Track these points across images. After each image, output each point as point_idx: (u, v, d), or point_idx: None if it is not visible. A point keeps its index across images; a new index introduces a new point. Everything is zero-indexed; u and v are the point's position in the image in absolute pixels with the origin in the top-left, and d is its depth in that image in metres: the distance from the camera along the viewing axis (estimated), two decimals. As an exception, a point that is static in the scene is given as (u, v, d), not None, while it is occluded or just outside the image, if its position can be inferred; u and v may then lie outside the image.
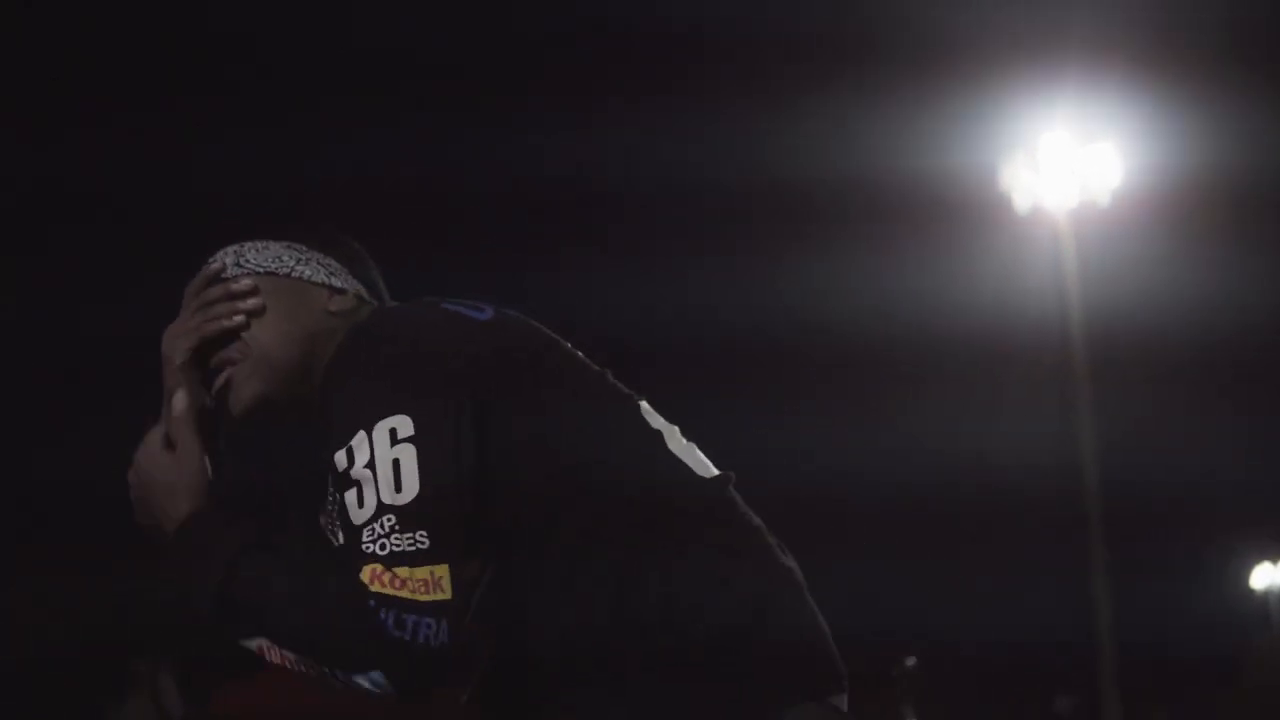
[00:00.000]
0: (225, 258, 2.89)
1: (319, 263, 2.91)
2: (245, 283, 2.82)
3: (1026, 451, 37.36)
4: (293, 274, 2.88)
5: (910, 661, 5.58)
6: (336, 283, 2.90)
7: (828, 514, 47.24)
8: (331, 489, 2.61)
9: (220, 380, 2.82)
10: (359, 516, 2.49)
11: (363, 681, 2.42)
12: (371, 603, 2.46)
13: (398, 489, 2.46)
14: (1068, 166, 30.14)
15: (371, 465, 2.47)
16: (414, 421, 2.49)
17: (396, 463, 2.46)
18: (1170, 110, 32.79)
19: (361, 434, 2.49)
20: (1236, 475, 43.65)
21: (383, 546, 2.46)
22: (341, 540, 2.61)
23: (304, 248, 2.93)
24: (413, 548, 2.45)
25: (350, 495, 2.50)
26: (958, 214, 33.75)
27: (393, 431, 2.47)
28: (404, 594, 2.44)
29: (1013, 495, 40.82)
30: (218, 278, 2.84)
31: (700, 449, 2.88)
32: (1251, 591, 68.19)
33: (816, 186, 44.44)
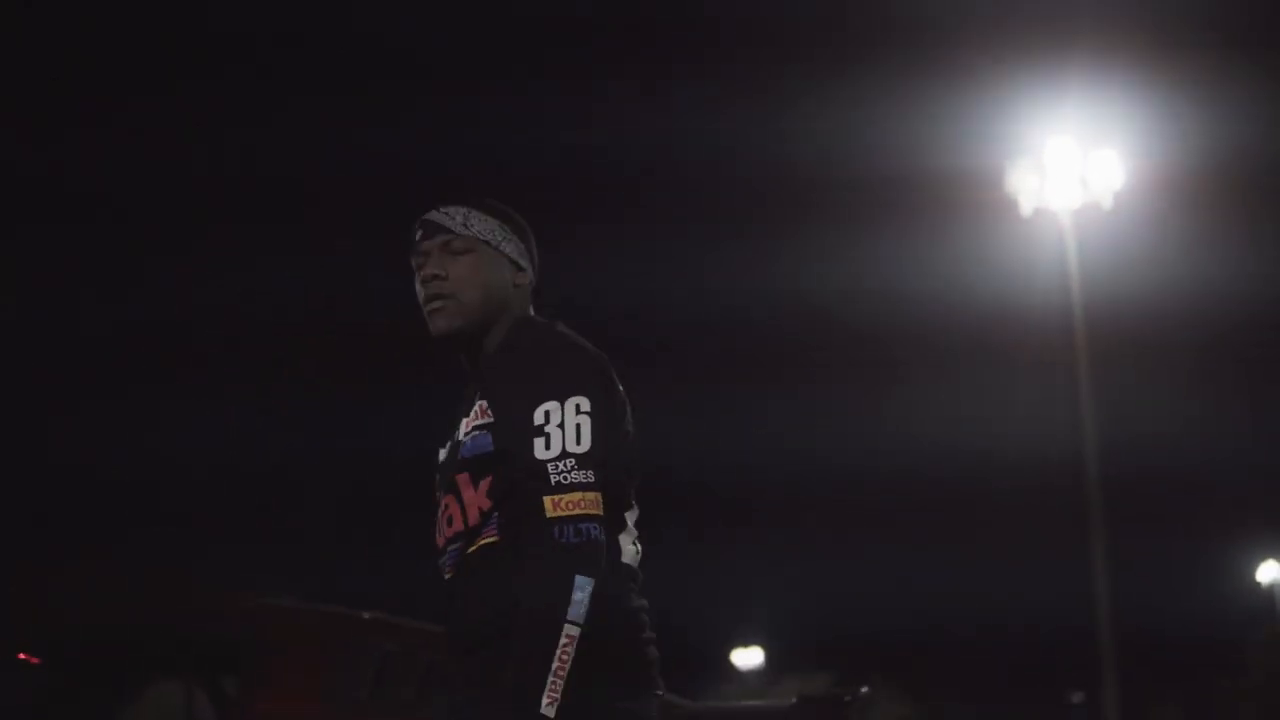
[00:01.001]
0: (457, 214, 3.92)
1: (516, 244, 3.96)
2: (465, 241, 3.90)
3: (1030, 447, 37.92)
4: (500, 248, 3.93)
5: (864, 689, 6.23)
6: (523, 264, 3.96)
7: (838, 501, 47.96)
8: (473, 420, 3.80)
9: (430, 305, 3.88)
10: (544, 455, 3.62)
11: (580, 595, 3.51)
12: (554, 531, 3.58)
13: (578, 442, 3.63)
14: (1072, 170, 30.88)
15: (562, 425, 3.63)
16: (590, 402, 3.68)
17: (579, 426, 3.64)
18: (1171, 115, 33.59)
19: (555, 403, 3.65)
20: (1241, 470, 44.04)
21: (565, 479, 3.60)
22: (449, 456, 3.84)
23: (509, 229, 3.96)
24: (585, 480, 3.61)
25: (539, 441, 3.63)
26: (966, 214, 34.34)
27: (577, 405, 3.65)
28: (578, 511, 3.59)
29: (1016, 487, 41.27)
30: (447, 230, 3.91)
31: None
32: (1258, 585, 68.68)
33: (830, 187, 45.16)
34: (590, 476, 3.62)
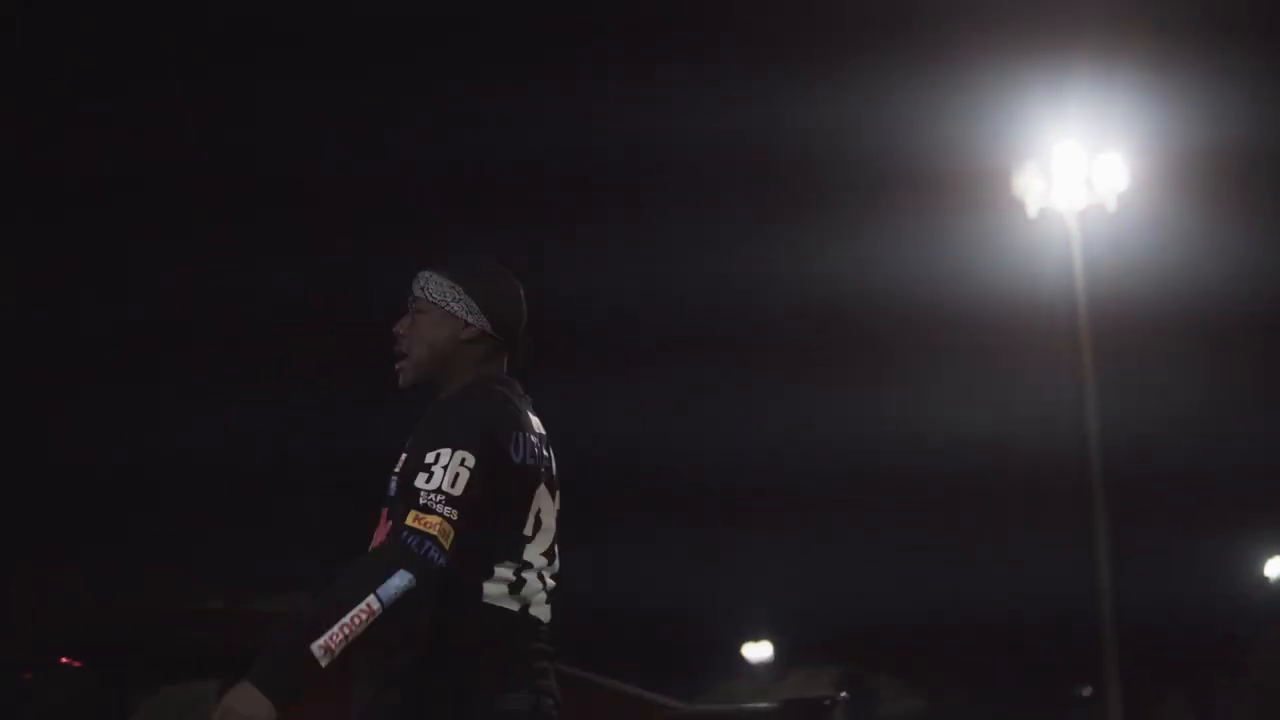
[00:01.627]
0: (418, 281, 4.56)
1: (465, 301, 4.50)
2: (420, 304, 4.53)
3: (1035, 443, 38.32)
4: (447, 307, 4.50)
5: (843, 695, 6.52)
6: (471, 319, 4.49)
7: (844, 496, 48.33)
8: (404, 457, 4.33)
9: (395, 363, 4.52)
10: (423, 485, 4.16)
11: (397, 582, 3.98)
12: (404, 535, 4.08)
13: (453, 485, 4.16)
14: (1077, 173, 31.38)
15: (445, 467, 4.17)
16: (475, 459, 4.23)
17: (458, 474, 4.18)
18: (1173, 117, 34.03)
19: (448, 450, 4.21)
20: (1247, 465, 44.26)
21: (430, 504, 4.12)
22: (393, 490, 4.31)
23: (461, 289, 4.51)
24: (447, 514, 4.12)
25: (423, 474, 4.17)
26: (973, 215, 34.76)
27: (463, 459, 4.20)
28: (429, 531, 4.08)
29: (1022, 482, 41.62)
30: (412, 295, 4.56)
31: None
32: (1266, 581, 68.96)
33: (839, 186, 45.51)
34: (453, 514, 4.14)
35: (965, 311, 38.70)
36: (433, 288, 4.51)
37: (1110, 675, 32.55)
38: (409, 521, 4.09)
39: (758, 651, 50.98)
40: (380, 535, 4.29)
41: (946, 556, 48.86)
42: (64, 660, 6.60)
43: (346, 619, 3.93)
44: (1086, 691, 49.41)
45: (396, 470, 4.34)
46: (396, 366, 4.51)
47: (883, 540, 48.13)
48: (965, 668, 58.46)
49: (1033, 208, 32.03)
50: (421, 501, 4.11)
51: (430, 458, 4.18)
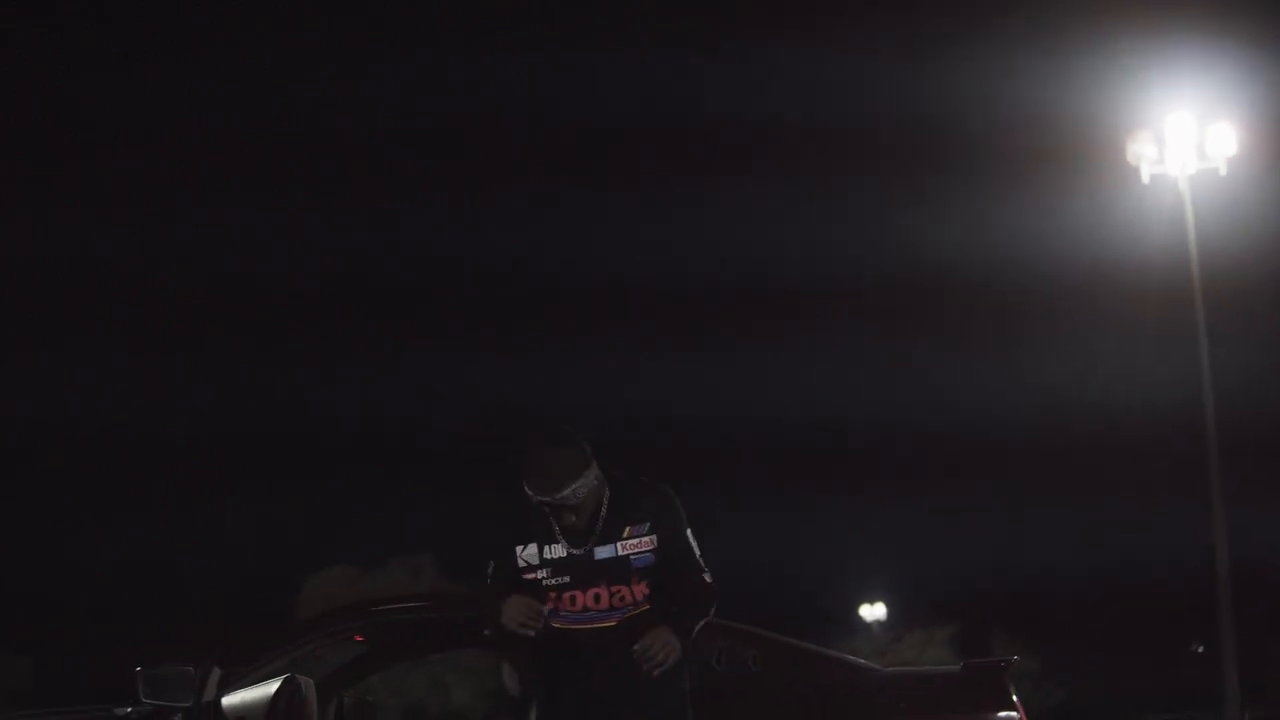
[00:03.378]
0: (569, 491, 5.72)
1: (587, 458, 5.80)
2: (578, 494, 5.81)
3: (1149, 402, 38.75)
4: (591, 475, 5.80)
5: (1015, 658, 7.12)
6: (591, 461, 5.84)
7: (959, 459, 48.90)
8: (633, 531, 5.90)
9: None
10: (697, 554, 6.01)
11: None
12: (712, 585, 5.96)
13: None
14: (1189, 140, 32.06)
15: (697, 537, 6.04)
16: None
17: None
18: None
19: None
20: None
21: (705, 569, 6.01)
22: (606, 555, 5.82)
23: (583, 461, 5.77)
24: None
25: (694, 546, 5.99)
26: (1090, 181, 35.40)
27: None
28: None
29: (1136, 442, 42.07)
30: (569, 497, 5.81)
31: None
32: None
33: (965, 154, 46.09)
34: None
35: (1082, 274, 39.34)
36: (580, 483, 5.72)
37: (1225, 631, 32.93)
38: (707, 579, 5.90)
39: (873, 612, 51.77)
40: (624, 591, 5.81)
41: (1058, 517, 49.37)
42: (357, 638, 7.68)
43: (702, 623, 5.86)
44: (1199, 648, 49.61)
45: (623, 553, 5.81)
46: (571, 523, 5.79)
47: (996, 502, 48.72)
48: (1078, 625, 58.85)
49: (1146, 174, 32.78)
50: (703, 565, 5.91)
51: (690, 538, 5.92)
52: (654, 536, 5.82)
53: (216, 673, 6.93)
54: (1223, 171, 32.73)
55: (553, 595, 5.78)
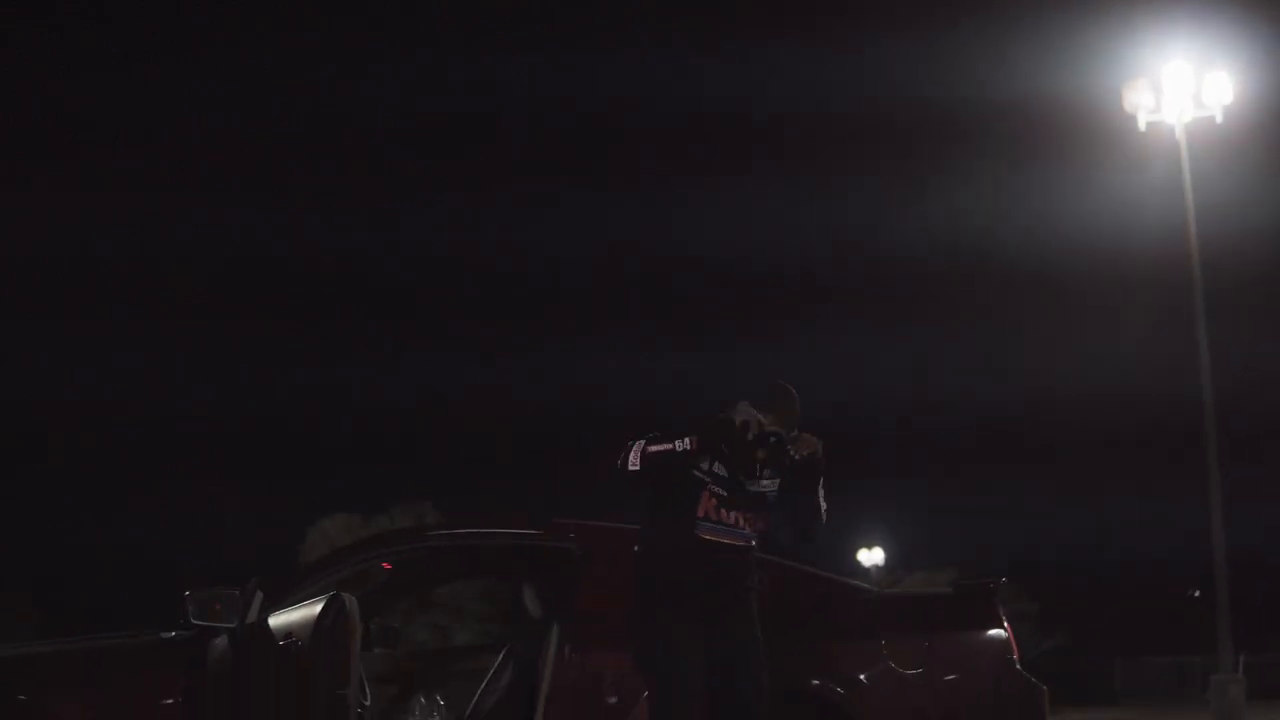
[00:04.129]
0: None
1: None
2: None
3: (1143, 352, 39.17)
4: None
5: (1003, 580, 7.44)
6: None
7: (951, 423, 49.49)
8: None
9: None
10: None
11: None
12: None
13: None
14: (1185, 89, 32.42)
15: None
16: None
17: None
18: (1277, 36, 34.97)
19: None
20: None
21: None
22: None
23: None
24: None
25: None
26: (1087, 129, 35.74)
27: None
28: None
29: (1129, 393, 42.60)
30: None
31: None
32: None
33: (958, 107, 46.45)
34: None
35: (1078, 224, 39.76)
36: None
37: (1219, 575, 33.29)
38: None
39: (871, 557, 52.46)
40: (752, 520, 6.84)
41: (1054, 477, 50.00)
42: (385, 565, 8.23)
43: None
44: (1195, 593, 50.08)
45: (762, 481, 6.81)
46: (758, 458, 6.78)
47: (990, 466, 49.46)
48: (1077, 579, 59.40)
49: (1143, 122, 33.17)
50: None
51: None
52: (780, 485, 6.88)
53: (259, 596, 7.41)
54: (1219, 119, 33.10)
55: (710, 502, 6.72)
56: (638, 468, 6.63)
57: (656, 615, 6.66)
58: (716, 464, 6.71)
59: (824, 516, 6.90)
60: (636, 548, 6.88)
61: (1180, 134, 33.06)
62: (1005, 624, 7.73)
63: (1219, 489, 32.13)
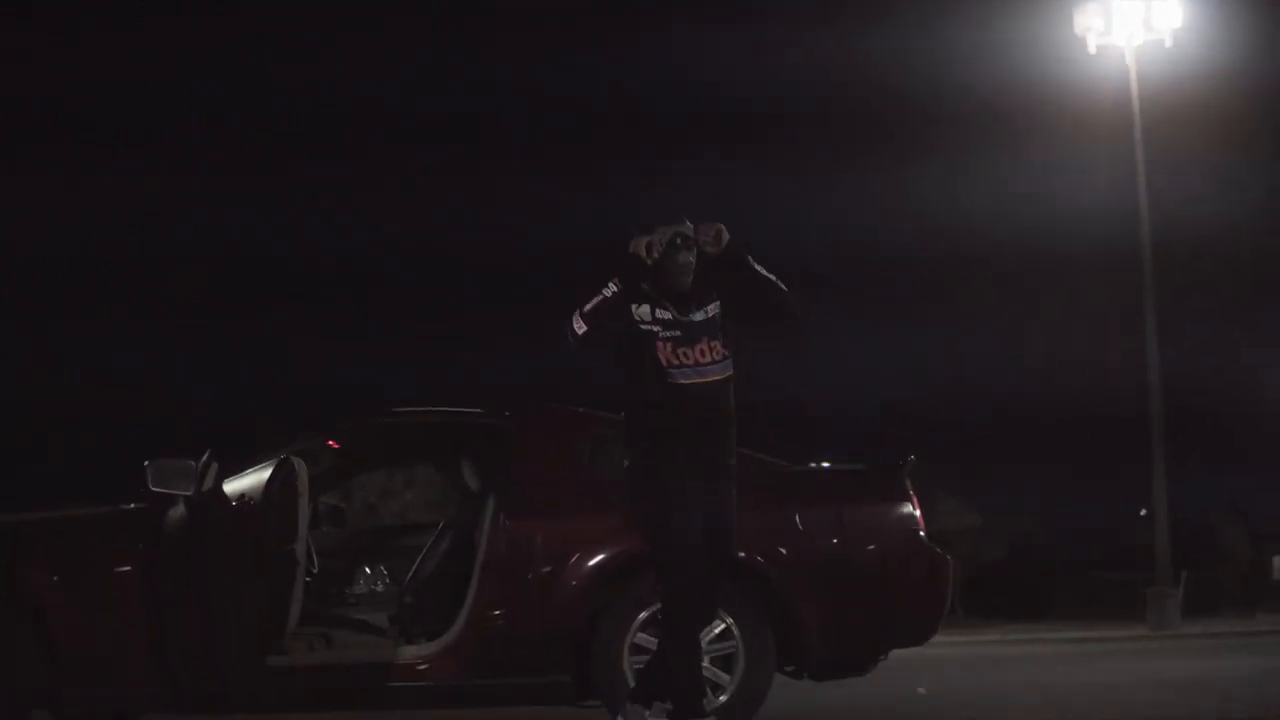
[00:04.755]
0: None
1: None
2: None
3: (1090, 250, 39.77)
4: None
5: (912, 458, 7.80)
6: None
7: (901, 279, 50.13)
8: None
9: None
10: None
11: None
12: None
13: None
14: (1135, 12, 33.03)
15: None
16: None
17: None
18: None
19: None
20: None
21: None
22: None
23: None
24: None
25: None
26: (1038, 50, 36.22)
27: None
28: None
29: (1077, 279, 43.23)
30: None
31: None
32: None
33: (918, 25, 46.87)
34: None
35: (1026, 135, 40.37)
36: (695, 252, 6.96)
37: (1158, 494, 34.01)
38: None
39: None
40: (712, 348, 6.94)
41: (993, 345, 50.74)
42: (330, 442, 8.67)
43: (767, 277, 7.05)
44: (1143, 512, 50.81)
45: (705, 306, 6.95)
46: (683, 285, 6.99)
47: (930, 326, 50.13)
48: (1014, 456, 60.02)
49: (1093, 44, 33.72)
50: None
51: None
52: (719, 304, 7.01)
53: (215, 466, 7.92)
54: (1168, 44, 33.69)
55: (667, 348, 6.88)
56: (585, 329, 6.80)
57: (660, 472, 6.86)
58: (657, 310, 6.87)
59: (780, 285, 6.96)
60: (624, 414, 7.17)
61: (1130, 58, 33.63)
62: (914, 499, 8.19)
63: (1160, 435, 32.86)
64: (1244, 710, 8.37)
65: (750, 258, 6.91)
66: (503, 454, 8.24)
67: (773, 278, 6.95)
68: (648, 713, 6.77)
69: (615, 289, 6.80)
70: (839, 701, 9.75)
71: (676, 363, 6.87)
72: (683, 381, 6.86)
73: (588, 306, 6.79)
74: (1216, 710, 8.45)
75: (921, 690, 11.86)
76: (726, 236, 6.83)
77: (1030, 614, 51.05)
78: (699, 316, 6.93)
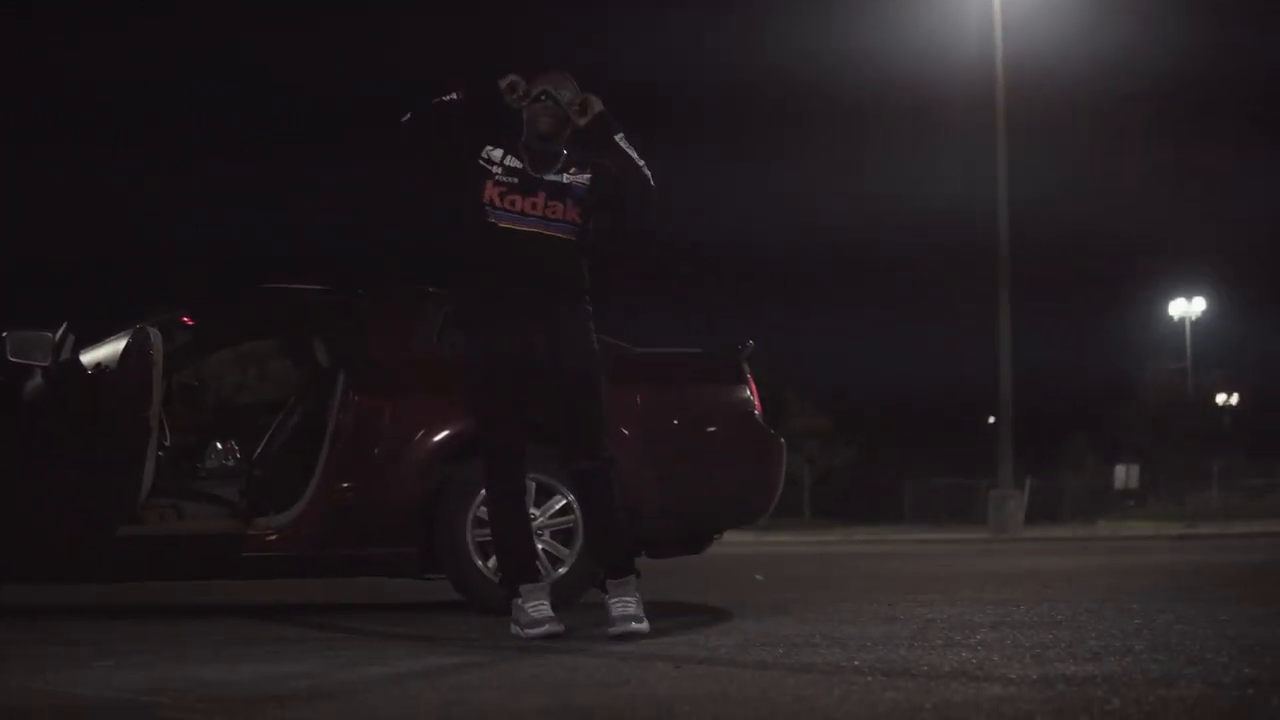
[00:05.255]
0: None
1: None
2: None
3: (949, 201, 40.40)
4: None
5: (750, 342, 7.95)
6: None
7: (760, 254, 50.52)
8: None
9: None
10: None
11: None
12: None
13: None
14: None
15: None
16: None
17: None
18: None
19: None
20: (1157, 213, 46.74)
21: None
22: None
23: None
24: None
25: None
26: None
27: None
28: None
29: (933, 233, 44.05)
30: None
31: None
32: (1170, 319, 72.22)
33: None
34: None
35: (889, 74, 40.88)
36: (569, 96, 6.59)
37: (1004, 402, 34.58)
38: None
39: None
40: (551, 207, 6.54)
41: (857, 311, 51.51)
42: (186, 320, 8.79)
43: (632, 161, 6.65)
44: (991, 420, 51.79)
45: (568, 172, 6.60)
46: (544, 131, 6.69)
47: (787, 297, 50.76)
48: (871, 393, 60.88)
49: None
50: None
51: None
52: (590, 178, 6.60)
53: (71, 337, 8.09)
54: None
55: (497, 191, 6.50)
56: (408, 116, 6.54)
57: (476, 313, 6.62)
58: (510, 157, 6.54)
59: (643, 170, 6.56)
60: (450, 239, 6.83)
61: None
62: (751, 382, 8.49)
63: (1007, 316, 33.44)
64: (1060, 594, 8.77)
65: (618, 137, 6.60)
66: (354, 331, 8.45)
67: (640, 162, 6.59)
68: (519, 600, 6.51)
69: (456, 97, 6.56)
70: (678, 589, 10.04)
71: (500, 205, 6.54)
72: (503, 224, 6.52)
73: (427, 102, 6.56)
74: (1039, 594, 8.86)
75: (759, 576, 12.26)
76: (597, 108, 6.57)
77: (876, 517, 52.01)
78: (552, 177, 6.58)
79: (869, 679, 4.48)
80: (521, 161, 6.59)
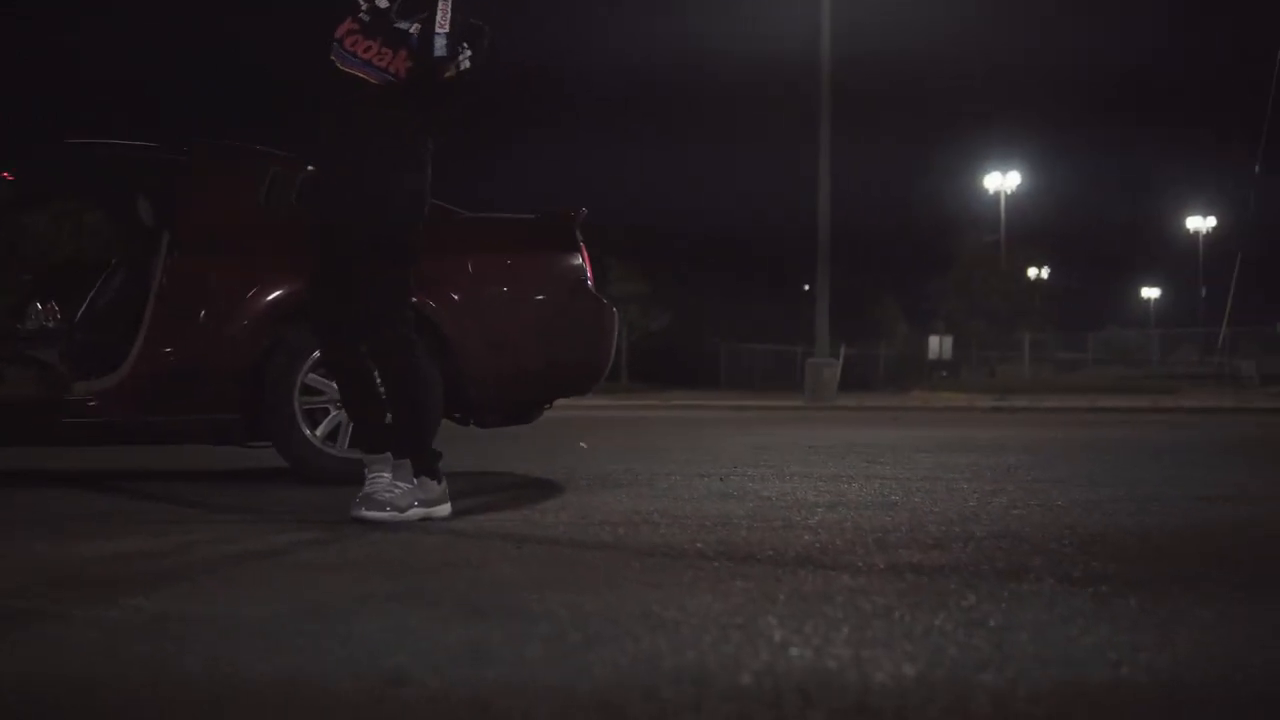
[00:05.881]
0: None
1: None
2: None
3: (768, 47, 40.36)
4: None
5: (583, 209, 7.86)
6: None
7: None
8: None
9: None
10: None
11: None
12: None
13: None
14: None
15: None
16: None
17: None
18: None
19: None
20: (976, 80, 47.01)
21: None
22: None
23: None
24: None
25: None
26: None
27: None
28: None
29: (755, 88, 44.06)
30: None
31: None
32: (985, 192, 73.23)
33: None
34: None
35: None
36: None
37: (821, 270, 34.87)
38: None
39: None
40: (384, 54, 6.12)
41: (677, 160, 51.45)
42: (6, 175, 8.49)
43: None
44: (806, 287, 52.34)
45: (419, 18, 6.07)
46: None
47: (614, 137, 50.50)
48: (691, 261, 61.11)
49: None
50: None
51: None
52: (416, 24, 6.04)
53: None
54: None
55: (350, 24, 6.17)
56: None
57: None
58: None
59: (444, 48, 5.94)
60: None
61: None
62: (583, 250, 8.41)
63: (827, 161, 33.65)
64: (889, 471, 8.86)
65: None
66: (179, 190, 8.20)
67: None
68: (388, 474, 6.11)
69: None
70: (505, 458, 9.99)
71: (347, 46, 6.21)
72: (338, 65, 6.19)
73: None
74: (868, 470, 8.92)
75: (583, 445, 12.25)
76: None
77: (693, 382, 52.36)
78: (403, 26, 6.16)
79: (715, 564, 4.44)
80: (389, 5, 6.24)
